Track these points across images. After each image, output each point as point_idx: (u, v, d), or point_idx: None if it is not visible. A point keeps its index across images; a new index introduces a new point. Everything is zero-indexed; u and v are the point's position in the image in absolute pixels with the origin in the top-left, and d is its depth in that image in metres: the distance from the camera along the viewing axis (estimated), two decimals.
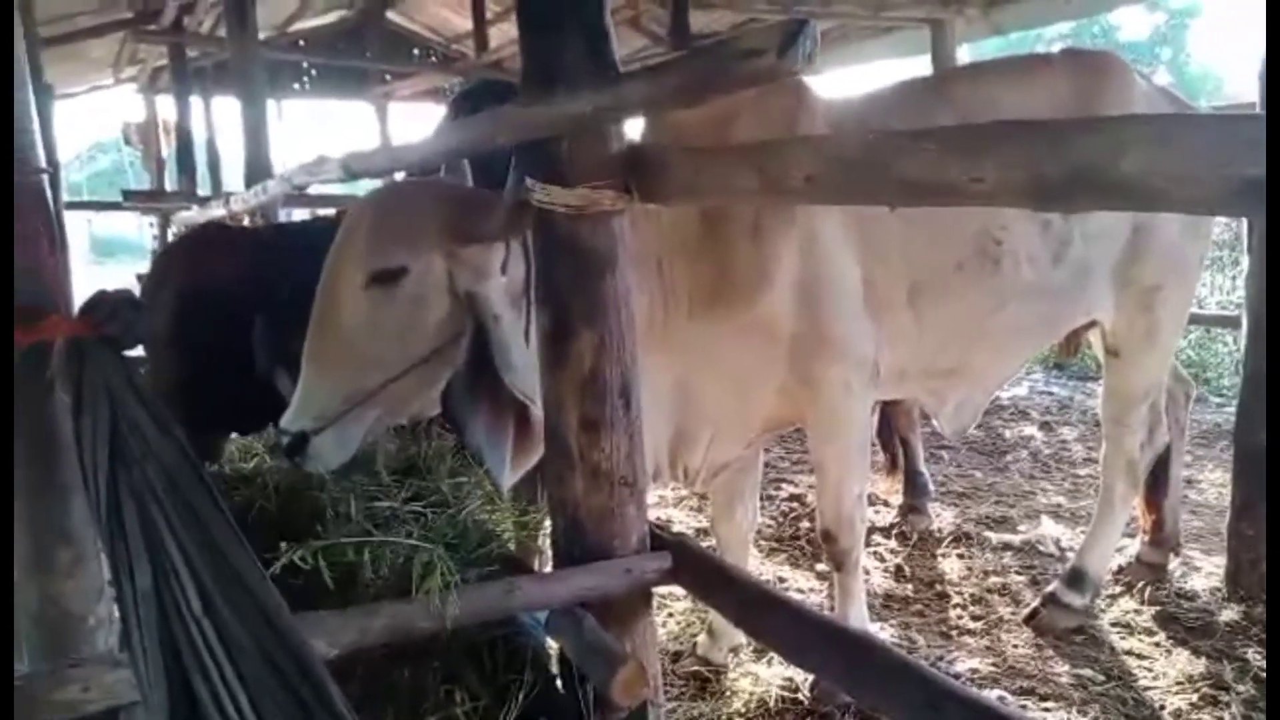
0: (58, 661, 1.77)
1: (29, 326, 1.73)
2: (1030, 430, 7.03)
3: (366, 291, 2.38)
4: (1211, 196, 1.07)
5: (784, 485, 5.75)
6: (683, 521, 5.25)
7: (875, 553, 4.62)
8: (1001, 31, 9.20)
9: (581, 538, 2.23)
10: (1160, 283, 3.46)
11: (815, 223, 2.85)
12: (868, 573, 4.25)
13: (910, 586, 4.29)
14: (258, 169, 6.25)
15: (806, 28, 1.43)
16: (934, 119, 2.84)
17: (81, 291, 1.86)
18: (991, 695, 3.20)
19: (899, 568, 4.47)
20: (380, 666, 2.18)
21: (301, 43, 12.61)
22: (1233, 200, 1.06)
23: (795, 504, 5.37)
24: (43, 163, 1.90)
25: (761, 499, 3.93)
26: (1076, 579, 3.83)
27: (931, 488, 5.20)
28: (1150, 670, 3.46)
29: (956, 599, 4.12)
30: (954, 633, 3.83)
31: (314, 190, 4.85)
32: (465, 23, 11.42)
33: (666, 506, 5.49)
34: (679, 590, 3.81)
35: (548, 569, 2.68)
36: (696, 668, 3.55)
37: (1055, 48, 4.64)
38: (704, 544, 3.29)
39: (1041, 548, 4.63)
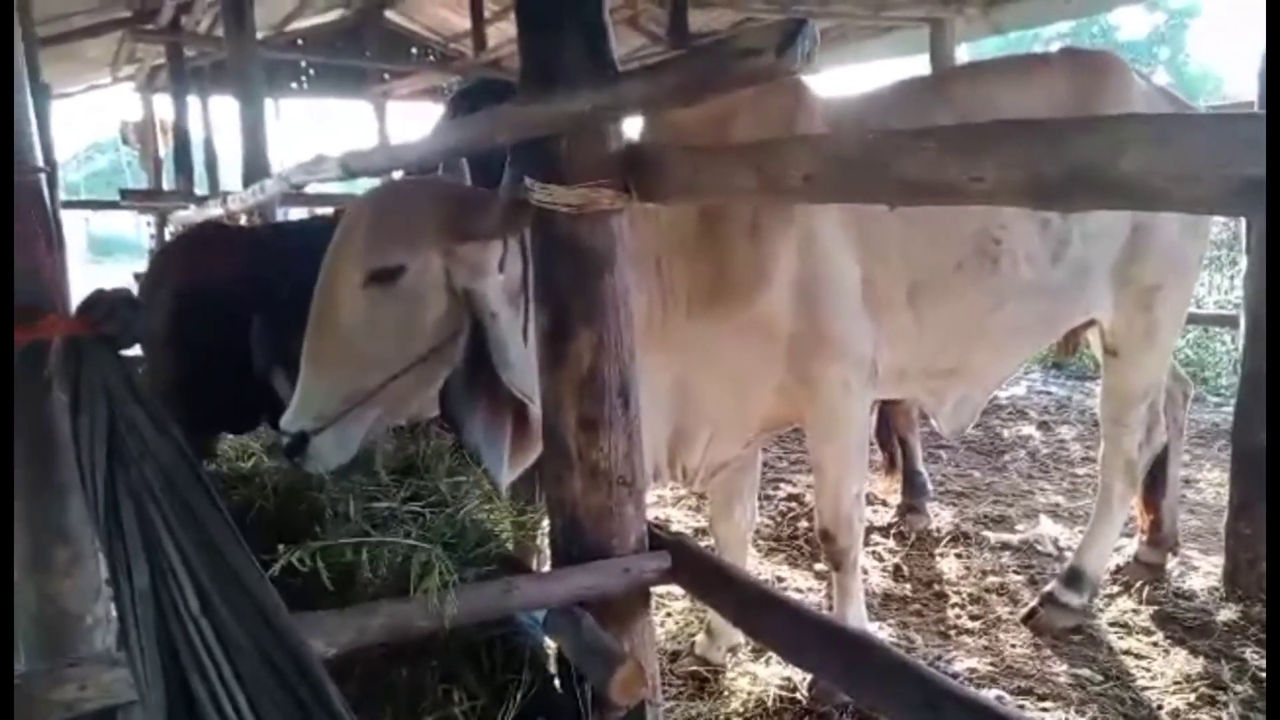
0: (55, 660, 1.76)
1: (27, 325, 1.73)
2: (1028, 430, 7.03)
3: (365, 290, 2.38)
4: (1211, 196, 1.07)
5: (782, 485, 5.75)
6: (681, 521, 5.25)
7: (874, 552, 4.62)
8: (1001, 31, 9.20)
9: (580, 537, 2.22)
10: (1159, 282, 3.46)
11: (814, 222, 2.85)
12: (866, 572, 4.25)
13: (908, 586, 4.29)
14: (255, 168, 6.24)
15: (805, 27, 1.42)
16: (933, 118, 2.84)
17: (79, 291, 1.85)
18: (989, 695, 3.20)
19: (897, 567, 4.47)
20: (378, 666, 2.17)
21: (299, 42, 12.61)
22: (1232, 200, 1.05)
23: (793, 503, 5.37)
24: (40, 162, 1.89)
25: (760, 498, 3.94)
26: (1074, 578, 3.83)
27: (930, 487, 5.20)
28: (1148, 670, 3.47)
29: (955, 598, 4.12)
30: (952, 632, 3.84)
31: (312, 189, 4.84)
32: (463, 22, 11.42)
33: (665, 506, 5.49)
34: (677, 590, 3.81)
35: (546, 568, 2.68)
36: (695, 667, 3.55)
37: (1054, 47, 4.65)
38: (702, 543, 3.29)
39: (1039, 547, 4.63)
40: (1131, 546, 4.28)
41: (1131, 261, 3.40)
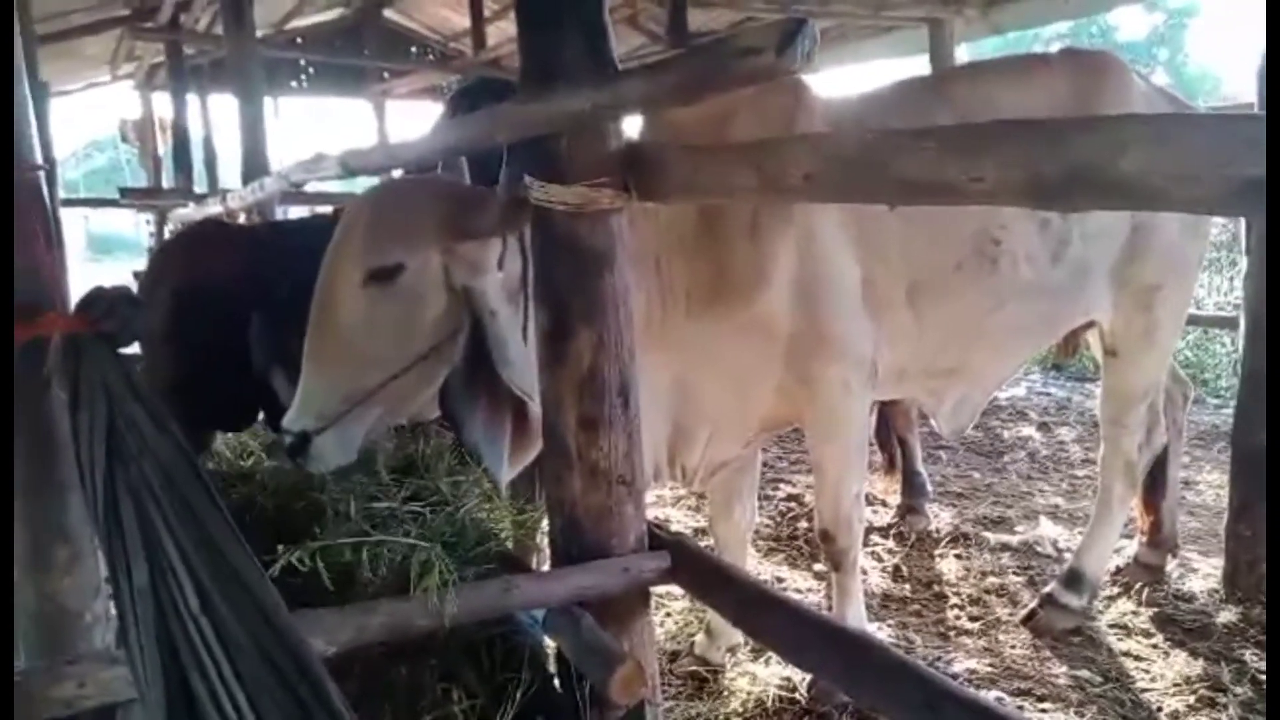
0: (55, 658, 1.76)
1: (26, 323, 1.73)
2: (1028, 431, 7.03)
3: (364, 290, 2.38)
4: (1211, 196, 1.07)
5: (782, 485, 5.75)
6: (681, 521, 5.25)
7: (873, 553, 4.62)
8: (1000, 31, 9.21)
9: (579, 536, 2.22)
10: (1159, 282, 3.46)
11: (813, 221, 2.85)
12: (865, 573, 4.25)
13: (908, 587, 4.29)
14: (255, 166, 6.24)
15: (805, 26, 1.42)
16: (932, 118, 2.84)
17: (78, 289, 1.85)
18: (989, 696, 3.20)
19: (897, 568, 4.47)
20: (378, 665, 2.17)
21: (299, 40, 12.62)
22: (1233, 200, 1.05)
23: (793, 504, 5.37)
24: (39, 159, 1.89)
25: (759, 499, 3.93)
26: (1074, 580, 3.83)
27: (929, 488, 5.20)
28: (1148, 671, 3.47)
29: (954, 599, 4.12)
30: (952, 633, 3.83)
31: (311, 188, 4.84)
32: (463, 20, 11.43)
33: (664, 506, 5.49)
34: (677, 589, 3.81)
35: (545, 568, 2.68)
36: (694, 667, 3.55)
37: (1053, 48, 4.64)
38: (702, 543, 3.29)
39: (1039, 548, 4.63)
40: (1131, 548, 4.27)
41: (1131, 262, 3.40)
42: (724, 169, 1.81)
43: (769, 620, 2.09)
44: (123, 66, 11.99)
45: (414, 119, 15.78)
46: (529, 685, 2.20)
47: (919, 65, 8.87)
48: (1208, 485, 5.58)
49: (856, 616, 3.31)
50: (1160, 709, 3.23)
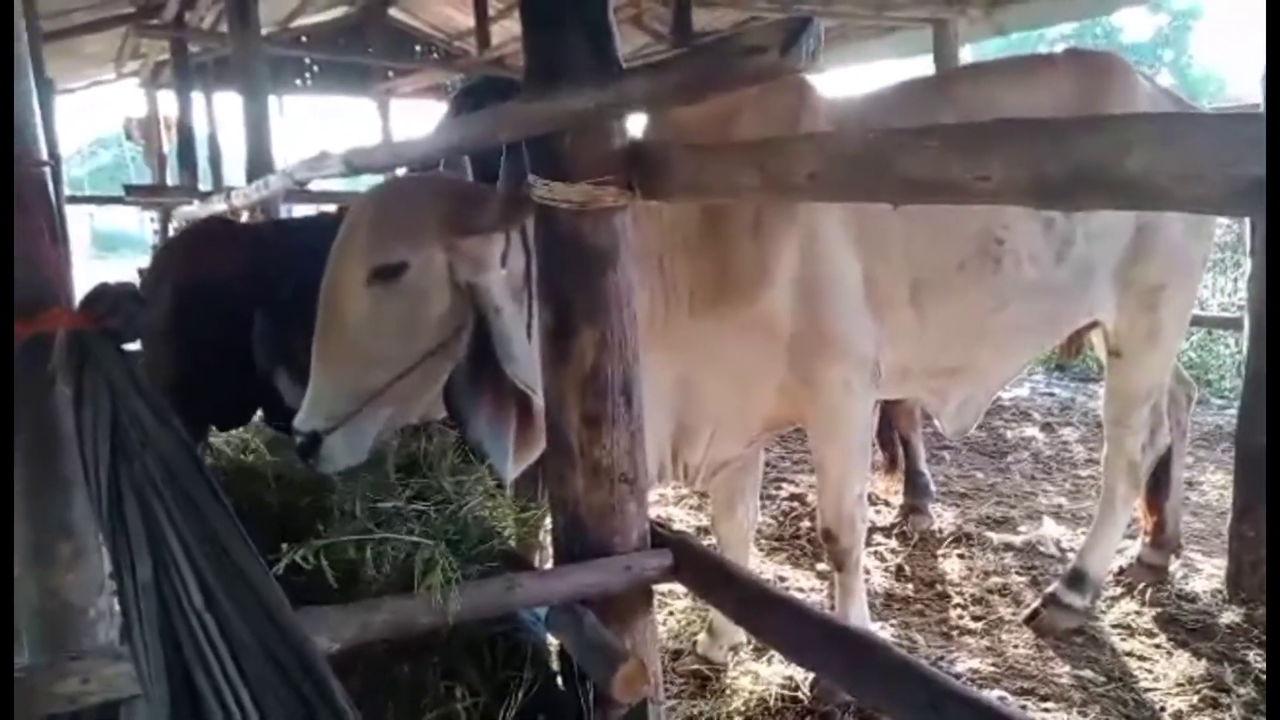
0: (58, 654, 1.77)
1: (30, 319, 1.73)
2: (1032, 431, 7.03)
3: (368, 288, 2.38)
4: (1216, 196, 1.07)
5: (785, 484, 5.75)
6: (683, 520, 5.25)
7: (876, 552, 4.62)
8: (1004, 32, 9.18)
9: (582, 535, 2.23)
10: (1163, 282, 3.45)
11: (816, 220, 2.85)
12: (868, 572, 4.25)
13: (911, 586, 4.28)
14: (259, 164, 6.24)
15: (810, 26, 1.42)
16: (936, 118, 2.83)
17: (83, 286, 1.85)
18: (992, 695, 3.19)
19: (900, 567, 4.47)
20: (381, 662, 2.18)
21: (304, 39, 12.64)
22: (1238, 200, 1.05)
23: (796, 503, 5.37)
24: (44, 155, 1.89)
25: (762, 498, 3.93)
26: (1077, 580, 3.82)
27: (933, 488, 5.20)
28: (1151, 672, 3.46)
29: (957, 599, 4.12)
30: (954, 633, 3.83)
31: (315, 186, 4.85)
32: (467, 20, 11.43)
33: (667, 505, 5.49)
34: (679, 588, 3.82)
35: (548, 566, 2.68)
36: (697, 666, 3.55)
37: (1057, 48, 4.64)
38: (704, 542, 3.29)
39: (1042, 548, 4.62)
40: (1134, 548, 4.27)
41: (1135, 262, 3.39)
42: (728, 168, 1.81)
43: (771, 619, 2.09)
44: (128, 64, 12.01)
45: (418, 117, 15.81)
46: (531, 683, 2.20)
47: (923, 66, 8.87)
48: (1211, 486, 5.57)
49: (859, 616, 3.31)
50: (1163, 709, 3.23)
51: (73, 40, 9.36)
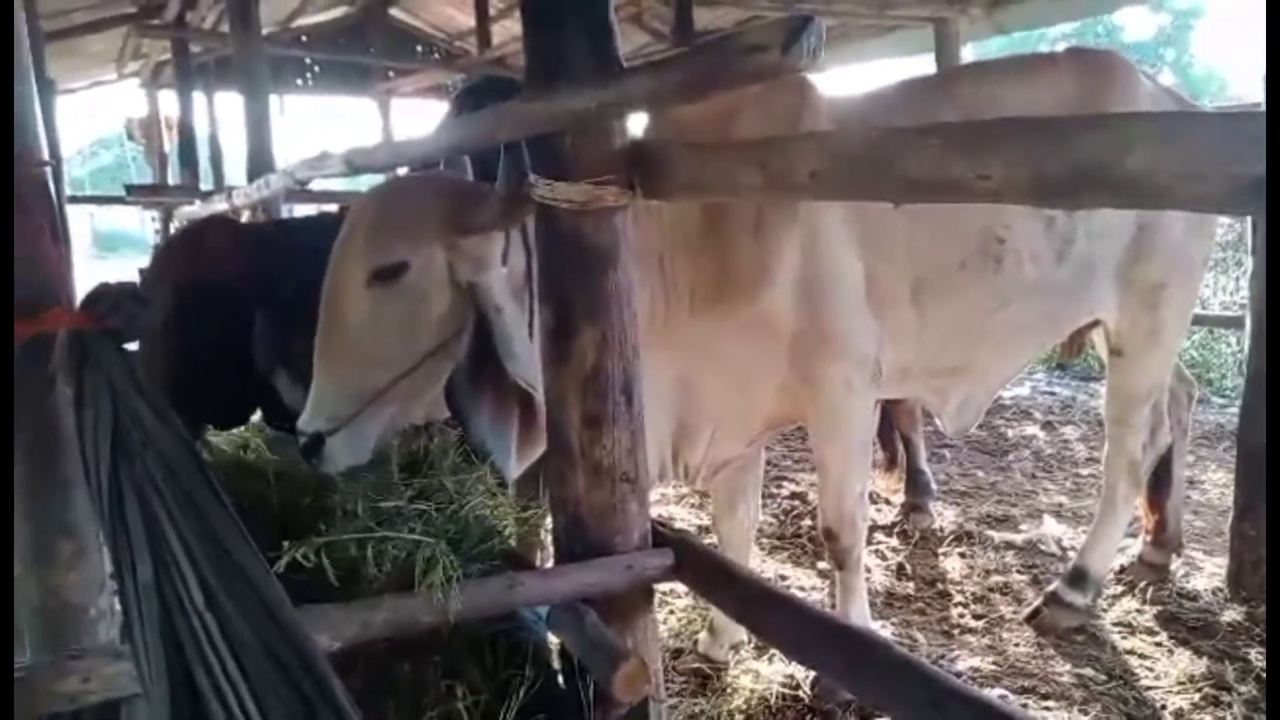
0: (59, 653, 1.77)
1: (31, 319, 1.73)
2: (1033, 430, 7.02)
3: (369, 289, 2.39)
4: (1218, 194, 1.07)
5: (785, 483, 5.75)
6: (684, 519, 5.25)
7: (877, 551, 4.62)
8: (1005, 31, 9.18)
9: (583, 534, 2.22)
10: (1164, 281, 3.45)
11: (818, 219, 2.85)
12: (869, 571, 4.24)
13: (912, 585, 4.28)
14: (260, 164, 6.24)
15: (811, 24, 1.42)
16: (938, 117, 2.82)
17: (84, 286, 1.85)
18: (993, 694, 3.19)
19: (900, 566, 4.46)
20: (382, 661, 2.18)
21: (304, 38, 12.63)
22: (1239, 198, 1.05)
23: (797, 502, 5.37)
24: (45, 155, 1.89)
25: (763, 497, 3.93)
26: (1078, 578, 3.82)
27: (933, 486, 5.19)
28: (1152, 670, 3.46)
29: (958, 598, 4.12)
30: (955, 631, 3.83)
31: (316, 185, 4.84)
32: (468, 19, 11.42)
33: (668, 504, 5.49)
34: (680, 587, 3.82)
35: (549, 565, 2.68)
36: (698, 664, 3.55)
37: (1059, 47, 4.63)
38: (706, 541, 3.29)
39: (1043, 547, 4.63)
40: (1136, 547, 4.27)
41: (1136, 260, 3.39)
42: (729, 167, 1.81)
43: (772, 618, 2.09)
44: (129, 64, 12.01)
45: (419, 117, 15.81)
46: (533, 682, 2.20)
47: (924, 65, 8.86)
48: (1212, 484, 5.57)
49: (860, 614, 3.31)
50: (1164, 707, 3.23)
51: (74, 40, 9.36)
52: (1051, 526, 4.85)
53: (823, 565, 4.38)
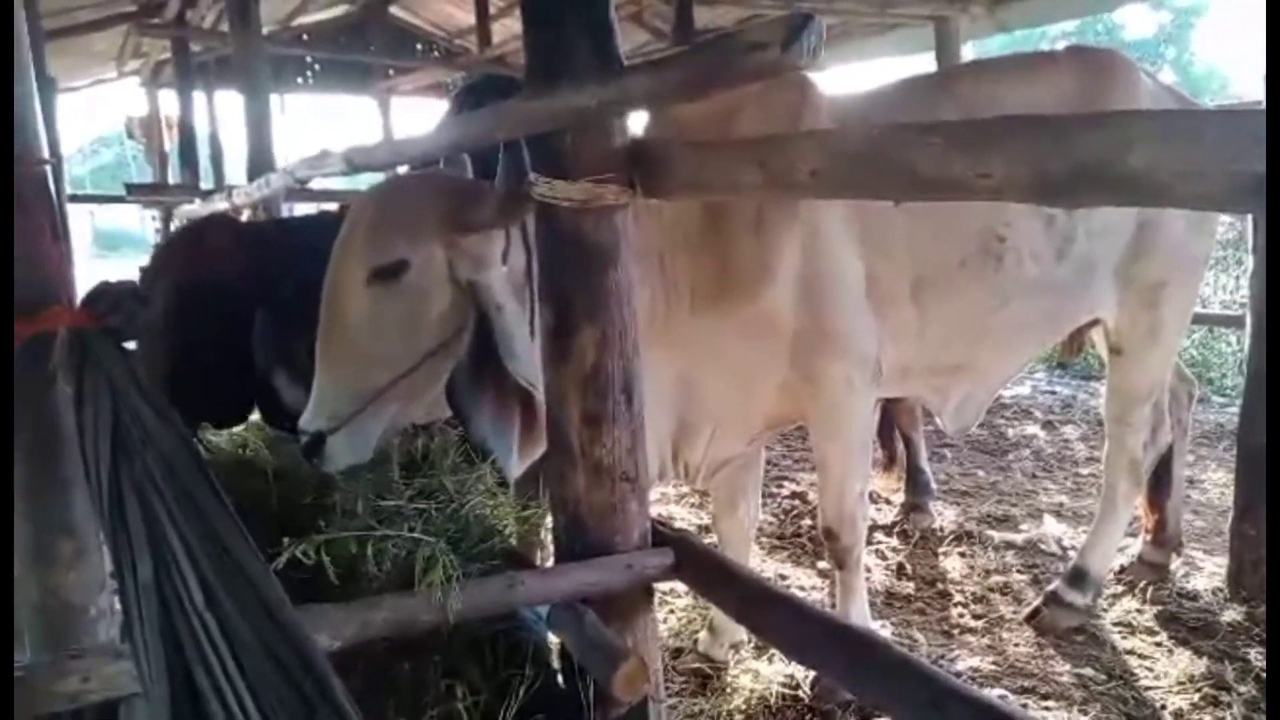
0: (58, 652, 1.77)
1: (31, 318, 1.73)
2: (1033, 429, 7.02)
3: (369, 288, 2.38)
4: (1218, 193, 1.06)
5: (786, 483, 5.75)
6: (684, 518, 5.25)
7: (877, 550, 4.62)
8: (1006, 29, 9.17)
9: (583, 533, 2.22)
10: (1165, 280, 3.44)
11: (818, 218, 2.85)
12: (869, 570, 4.24)
13: (912, 585, 4.28)
14: (260, 163, 6.25)
15: (811, 22, 1.42)
16: (938, 116, 2.83)
17: (84, 285, 1.85)
18: (993, 694, 3.19)
19: (900, 566, 4.46)
20: (382, 660, 2.18)
21: (305, 37, 12.63)
22: (1240, 196, 1.05)
23: (797, 501, 5.37)
24: (45, 154, 1.89)
25: (763, 496, 3.93)
26: (1078, 578, 3.82)
27: (933, 486, 5.19)
28: (1152, 670, 3.46)
29: (958, 597, 4.12)
30: (955, 631, 3.83)
31: (316, 184, 4.84)
32: (468, 18, 11.43)
33: (668, 503, 5.49)
34: (680, 586, 3.82)
35: (549, 564, 2.68)
36: (697, 664, 3.55)
37: (1059, 45, 4.63)
38: (706, 541, 3.29)
39: (1043, 547, 4.63)
40: (1136, 546, 4.27)
41: (1137, 259, 3.39)
42: (729, 165, 1.80)
43: (772, 617, 2.09)
44: (129, 63, 12.02)
45: (419, 116, 15.81)
46: (532, 681, 2.20)
47: (924, 63, 8.86)
48: (1213, 484, 5.57)
49: (860, 614, 3.31)
50: (1164, 707, 3.23)
51: (74, 39, 9.36)
52: (1052, 526, 4.85)
53: (823, 565, 4.38)
